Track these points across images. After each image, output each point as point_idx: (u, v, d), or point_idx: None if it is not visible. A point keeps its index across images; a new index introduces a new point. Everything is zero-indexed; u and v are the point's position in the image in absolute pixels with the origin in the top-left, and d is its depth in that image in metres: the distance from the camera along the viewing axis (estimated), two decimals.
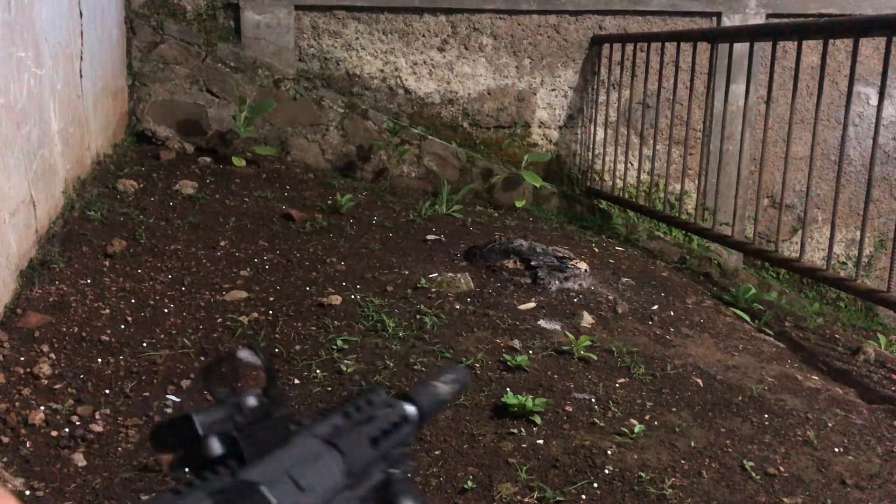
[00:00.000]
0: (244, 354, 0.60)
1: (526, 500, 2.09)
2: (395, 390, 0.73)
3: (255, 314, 2.97)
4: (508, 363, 2.73)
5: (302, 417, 0.60)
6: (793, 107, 3.71)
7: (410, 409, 0.69)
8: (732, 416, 2.59)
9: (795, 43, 3.75)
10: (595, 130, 5.34)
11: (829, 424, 2.59)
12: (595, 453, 2.29)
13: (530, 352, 2.87)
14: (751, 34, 4.17)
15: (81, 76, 3.73)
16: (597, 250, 4.22)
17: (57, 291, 2.90)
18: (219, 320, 2.91)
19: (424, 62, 5.21)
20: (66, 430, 2.24)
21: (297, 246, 3.67)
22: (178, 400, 2.44)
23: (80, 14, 3.72)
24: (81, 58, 3.74)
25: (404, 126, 5.00)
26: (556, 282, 3.51)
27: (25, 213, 2.83)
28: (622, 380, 2.75)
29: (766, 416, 2.61)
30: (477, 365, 2.73)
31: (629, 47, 4.95)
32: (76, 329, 2.72)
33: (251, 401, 0.56)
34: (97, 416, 2.32)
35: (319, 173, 4.85)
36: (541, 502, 2.08)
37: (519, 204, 4.96)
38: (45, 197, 3.08)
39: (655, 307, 3.50)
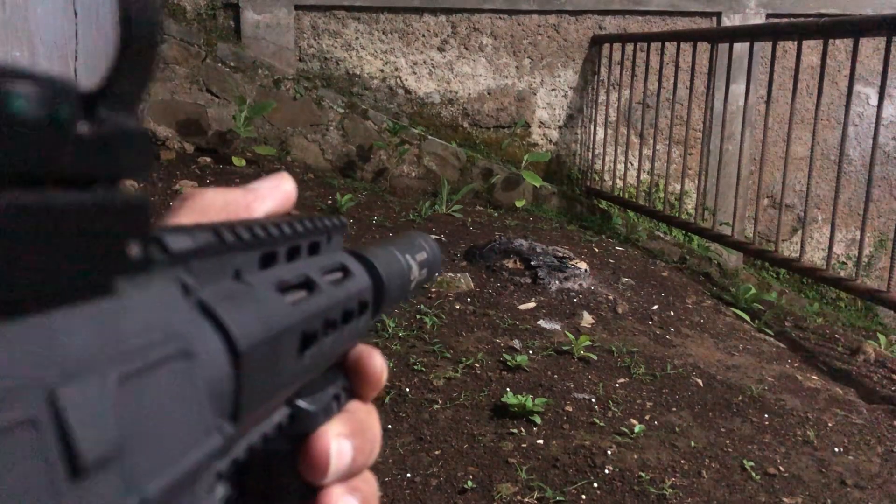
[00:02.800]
0: None
1: (526, 500, 2.09)
2: (359, 249, 0.38)
3: None
4: (508, 363, 2.73)
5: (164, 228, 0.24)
6: (793, 107, 3.71)
7: (368, 283, 0.36)
8: (732, 416, 2.59)
9: (795, 43, 3.75)
10: (595, 130, 5.34)
11: (829, 424, 2.59)
12: (595, 453, 2.29)
13: (530, 352, 2.87)
14: (751, 34, 4.17)
15: (76, 76, 3.73)
16: (597, 250, 4.22)
17: None
18: None
19: (424, 62, 5.21)
20: None
21: None
22: None
23: (75, 14, 3.72)
24: (76, 57, 3.73)
25: (404, 126, 4.99)
26: (556, 282, 3.51)
27: None
28: (622, 380, 2.75)
29: (766, 416, 2.60)
30: (477, 365, 2.73)
31: (629, 47, 4.95)
32: None
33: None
34: None
35: (319, 173, 4.85)
36: (541, 502, 2.08)
37: (519, 204, 4.96)
38: None
39: (655, 307, 3.49)
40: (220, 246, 0.25)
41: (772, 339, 3.43)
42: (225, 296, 0.24)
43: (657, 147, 5.10)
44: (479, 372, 2.69)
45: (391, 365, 2.68)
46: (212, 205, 0.31)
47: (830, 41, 3.63)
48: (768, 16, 5.35)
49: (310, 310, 0.29)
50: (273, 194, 0.34)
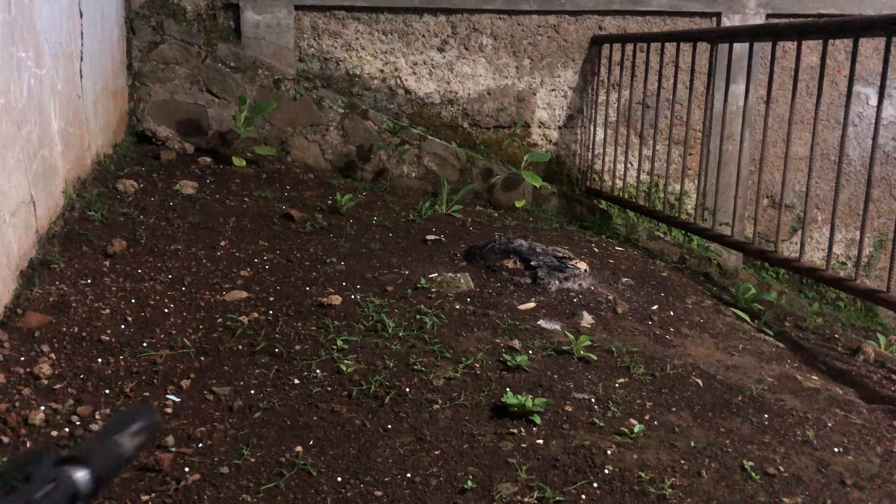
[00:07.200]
0: None
1: (526, 500, 2.09)
2: (75, 450, 0.62)
3: (255, 314, 2.97)
4: (508, 363, 2.73)
5: None
6: (792, 107, 3.71)
7: (83, 476, 0.55)
8: (732, 416, 2.59)
9: (795, 43, 3.75)
10: (595, 130, 5.35)
11: (829, 424, 2.59)
12: (595, 453, 2.29)
13: (530, 352, 2.87)
14: (750, 34, 4.17)
15: (81, 76, 3.73)
16: (597, 250, 4.22)
17: (57, 291, 2.90)
18: (219, 320, 2.91)
19: (424, 62, 5.21)
20: (66, 429, 2.24)
21: (297, 246, 3.67)
22: (178, 400, 2.44)
23: (80, 14, 3.72)
24: (81, 58, 3.74)
25: (404, 126, 5.00)
26: (556, 282, 3.51)
27: (26, 213, 2.83)
28: (622, 380, 2.75)
29: (766, 416, 2.61)
30: (477, 365, 2.73)
31: (629, 47, 4.95)
32: (76, 329, 2.72)
33: None
34: (97, 416, 2.32)
35: (319, 173, 4.85)
36: (541, 502, 2.08)
37: (519, 204, 4.96)
38: (46, 197, 3.08)
39: (655, 307, 3.50)
40: None
41: (772, 339, 3.43)
42: None
43: (657, 147, 5.10)
44: (479, 372, 2.69)
45: (391, 365, 2.68)
46: None
47: (830, 41, 3.63)
48: (768, 16, 5.35)
49: None
50: None
